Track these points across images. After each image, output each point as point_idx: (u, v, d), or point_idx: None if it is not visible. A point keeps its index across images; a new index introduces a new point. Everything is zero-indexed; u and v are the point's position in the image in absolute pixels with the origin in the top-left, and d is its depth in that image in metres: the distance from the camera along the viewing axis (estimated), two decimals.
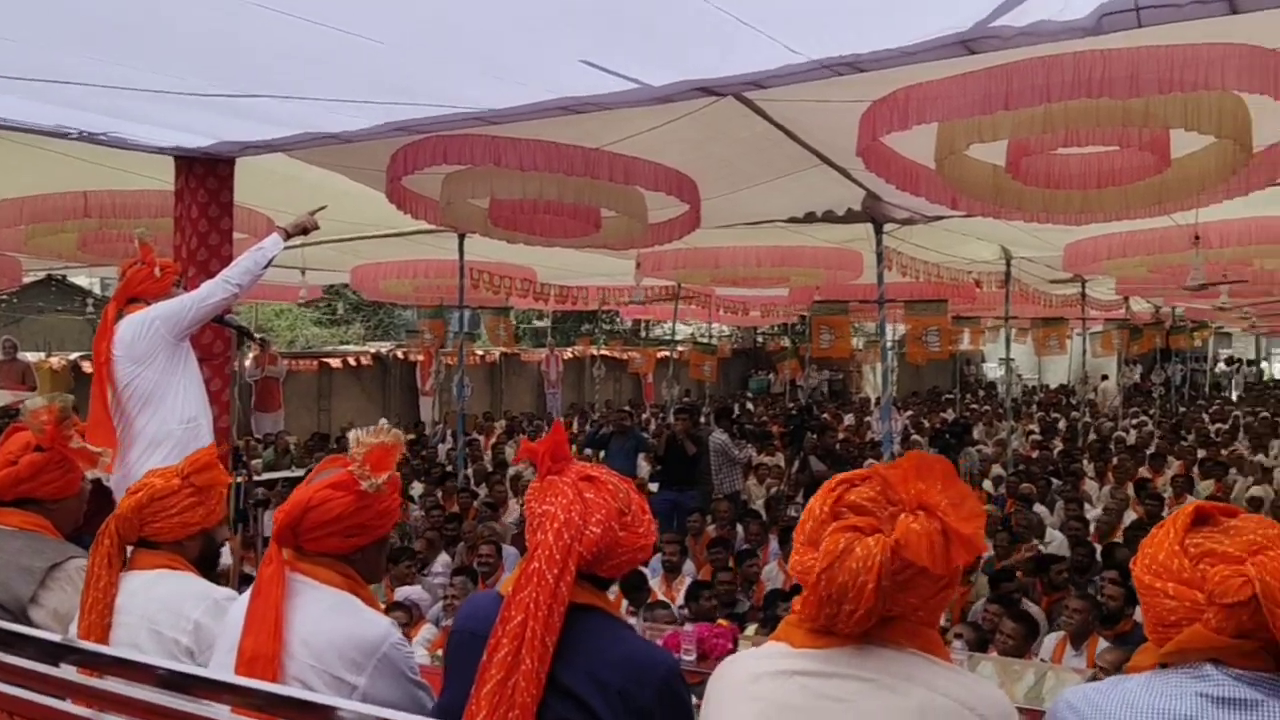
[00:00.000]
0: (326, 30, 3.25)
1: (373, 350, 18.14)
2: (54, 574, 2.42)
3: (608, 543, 1.73)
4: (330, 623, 1.94)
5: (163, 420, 3.83)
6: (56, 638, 1.55)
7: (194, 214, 5.34)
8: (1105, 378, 23.55)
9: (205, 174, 5.35)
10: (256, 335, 4.31)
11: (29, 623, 2.30)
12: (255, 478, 5.13)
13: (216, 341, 5.17)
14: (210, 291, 3.97)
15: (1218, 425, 16.77)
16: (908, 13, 3.23)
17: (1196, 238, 6.75)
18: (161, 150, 5.22)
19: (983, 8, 3.06)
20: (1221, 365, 31.01)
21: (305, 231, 4.39)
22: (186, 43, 3.61)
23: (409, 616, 5.36)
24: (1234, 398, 25.55)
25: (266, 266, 4.14)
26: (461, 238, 8.67)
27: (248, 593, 2.04)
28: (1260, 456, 12.48)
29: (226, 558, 3.85)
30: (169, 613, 2.17)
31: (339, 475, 2.03)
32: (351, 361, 17.10)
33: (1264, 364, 33.04)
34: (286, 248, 4.35)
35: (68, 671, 1.46)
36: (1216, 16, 3.12)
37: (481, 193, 5.65)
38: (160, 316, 3.88)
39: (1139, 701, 1.41)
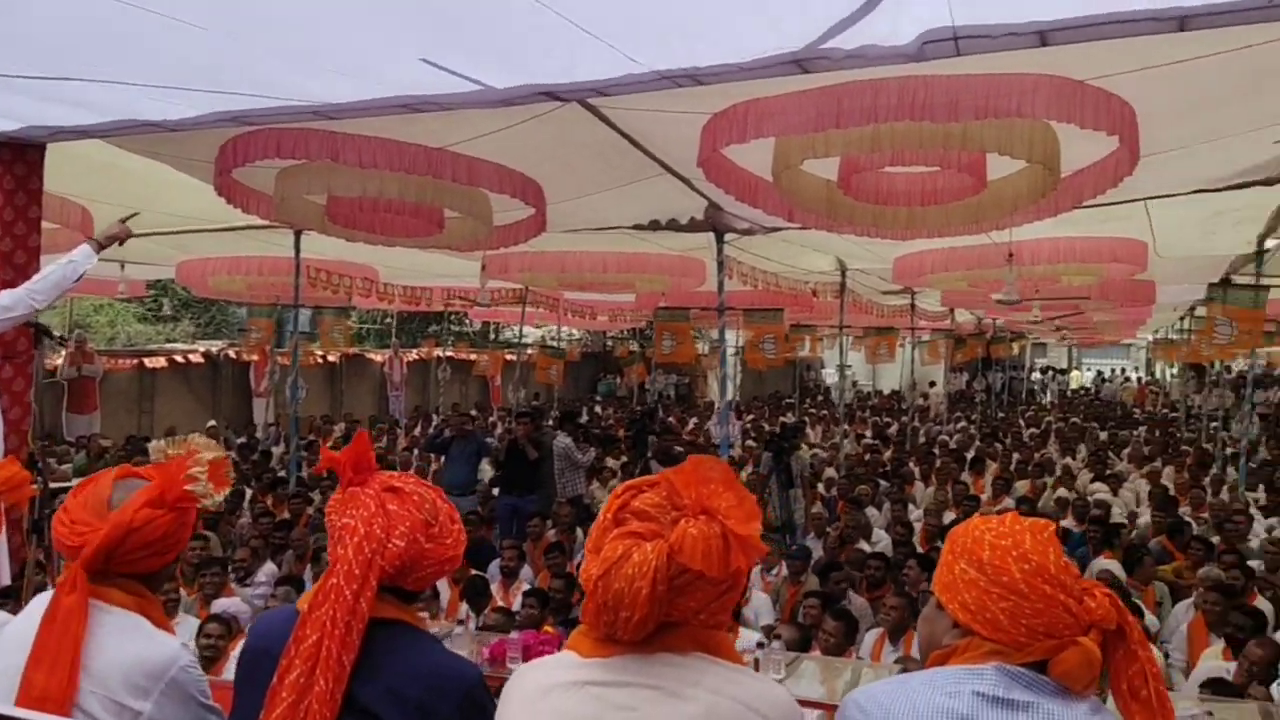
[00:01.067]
0: (137, 11, 3.07)
1: (202, 349, 17.26)
2: None
3: (412, 555, 1.68)
4: (117, 647, 1.83)
5: None
6: None
7: None
8: (933, 384, 24.82)
9: (12, 160, 4.98)
10: (57, 334, 4.03)
11: None
12: (54, 485, 4.79)
13: (20, 339, 4.81)
14: (12, 303, 3.72)
15: (1031, 430, 17.95)
16: (744, 29, 3.32)
17: (1010, 255, 7.19)
18: None
19: (814, 29, 3.17)
20: (1037, 374, 33.19)
21: (119, 241, 4.15)
22: None
23: (227, 630, 5.11)
24: (1047, 404, 27.40)
25: (77, 281, 3.91)
26: (297, 234, 8.36)
27: (27, 615, 1.90)
28: (1068, 459, 13.42)
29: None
30: None
31: (150, 490, 1.90)
32: (179, 360, 16.21)
33: (1075, 373, 35.53)
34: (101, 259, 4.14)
35: None
36: (1028, 48, 3.33)
37: (318, 189, 5.47)
38: None
39: (919, 700, 1.45)
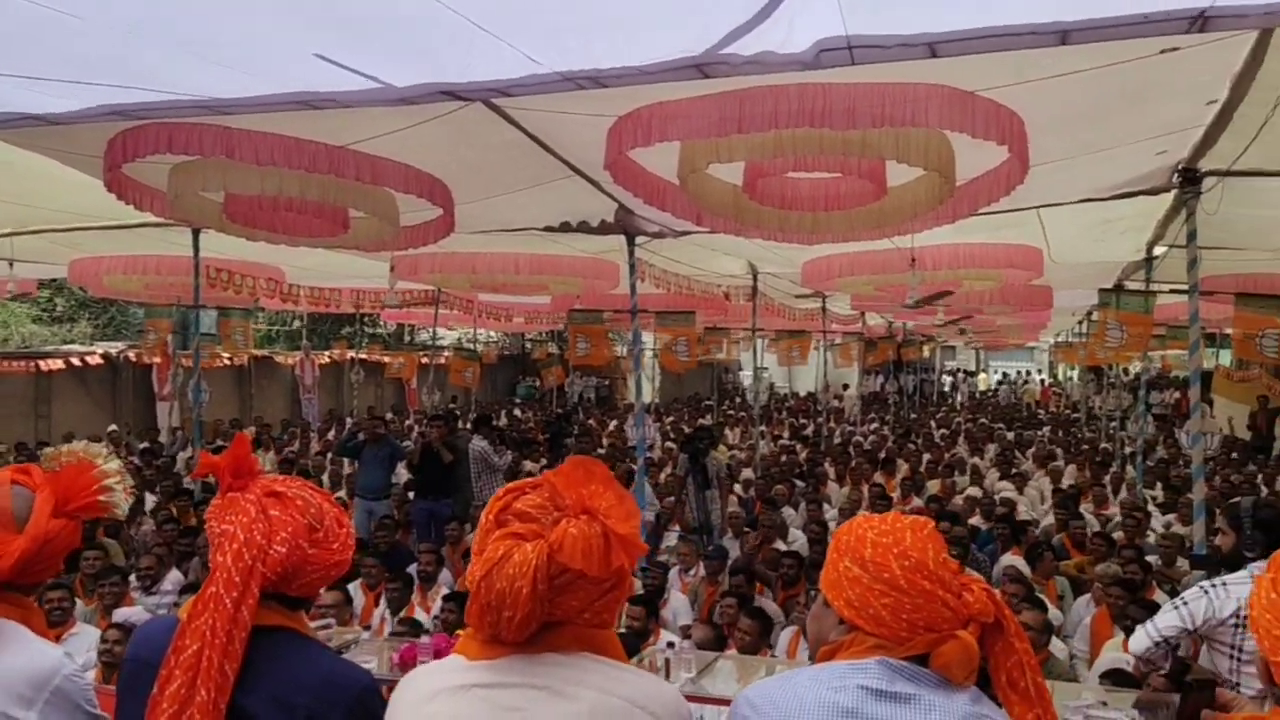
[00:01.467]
0: (23, 3, 2.94)
1: (100, 351, 16.65)
2: None
3: (295, 561, 1.66)
4: (0, 657, 1.77)
5: None
6: None
7: None
8: (846, 387, 25.29)
9: None
10: None
11: None
12: None
13: None
14: None
15: (942, 430, 18.40)
16: (645, 33, 3.32)
17: (913, 260, 7.36)
18: None
19: (713, 35, 3.18)
20: (947, 376, 34.08)
21: None
22: None
23: (127, 639, 4.94)
24: (958, 405, 28.13)
25: None
26: (196, 233, 8.12)
27: None
28: (976, 459, 13.80)
29: None
30: None
31: (49, 501, 1.85)
32: (76, 362, 15.62)
33: (983, 375, 36.56)
34: None
35: None
36: (919, 59, 3.40)
37: (214, 185, 5.30)
38: None
39: (806, 695, 1.48)
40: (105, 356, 16.31)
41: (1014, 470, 12.18)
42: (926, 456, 13.33)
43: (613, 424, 18.47)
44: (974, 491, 10.58)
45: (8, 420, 13.68)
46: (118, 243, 8.66)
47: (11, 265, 9.24)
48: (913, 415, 23.03)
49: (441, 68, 3.70)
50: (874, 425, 19.40)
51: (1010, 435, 17.40)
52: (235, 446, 1.76)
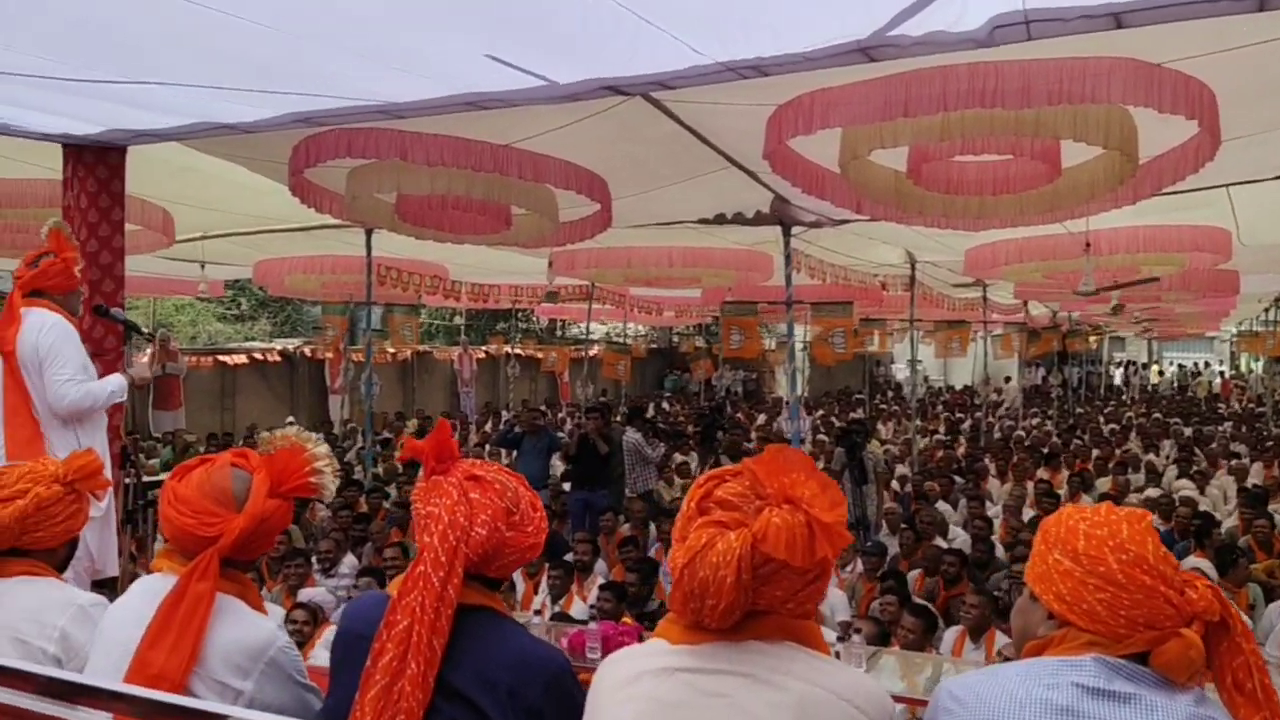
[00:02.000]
0: (215, 15, 3.15)
1: (279, 347, 17.69)
2: None
3: (495, 543, 1.71)
4: (219, 630, 1.89)
5: (55, 439, 3.72)
6: None
7: (83, 204, 5.13)
8: (1009, 379, 24.31)
9: (95, 163, 5.15)
10: (145, 330, 4.18)
11: None
12: (145, 478, 4.96)
13: (109, 337, 4.98)
14: (62, 395, 3.77)
15: (1111, 426, 17.46)
16: (809, 18, 3.28)
17: (1088, 245, 7.00)
18: (48, 137, 5.00)
19: (880, 16, 3.12)
20: (1116, 369, 32.30)
21: (146, 382, 4.33)
22: (69, 27, 3.47)
23: (313, 618, 5.24)
24: (1128, 399, 26.63)
25: (106, 402, 3.98)
26: (369, 233, 8.52)
27: (128, 599, 1.97)
28: (1151, 456, 13.04)
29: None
30: (33, 622, 2.09)
31: (264, 482, 1.97)
32: (257, 358, 16.65)
33: (1154, 367, 34.48)
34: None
35: None
36: (1103, 30, 3.24)
37: (388, 187, 5.56)
38: (52, 338, 3.77)
39: (1018, 692, 1.43)
40: (283, 353, 17.34)
41: (1194, 468, 11.45)
42: (1095, 453, 12.69)
43: (761, 417, 18.35)
44: (1151, 491, 10.01)
45: (197, 412, 14.69)
46: (297, 244, 9.21)
47: (203, 267, 9.95)
48: (1079, 409, 21.95)
49: (604, 63, 3.76)
50: (1036, 420, 18.59)
51: (1188, 431, 16.36)
52: (437, 432, 1.83)
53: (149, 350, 4.53)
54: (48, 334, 3.72)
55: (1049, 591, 1.51)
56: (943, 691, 1.51)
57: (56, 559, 2.26)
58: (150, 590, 1.91)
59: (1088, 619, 1.46)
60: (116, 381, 4.02)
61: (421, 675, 1.59)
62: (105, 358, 5.03)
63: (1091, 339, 25.56)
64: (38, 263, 3.88)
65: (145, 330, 4.16)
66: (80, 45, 3.67)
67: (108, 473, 2.76)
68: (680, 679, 1.48)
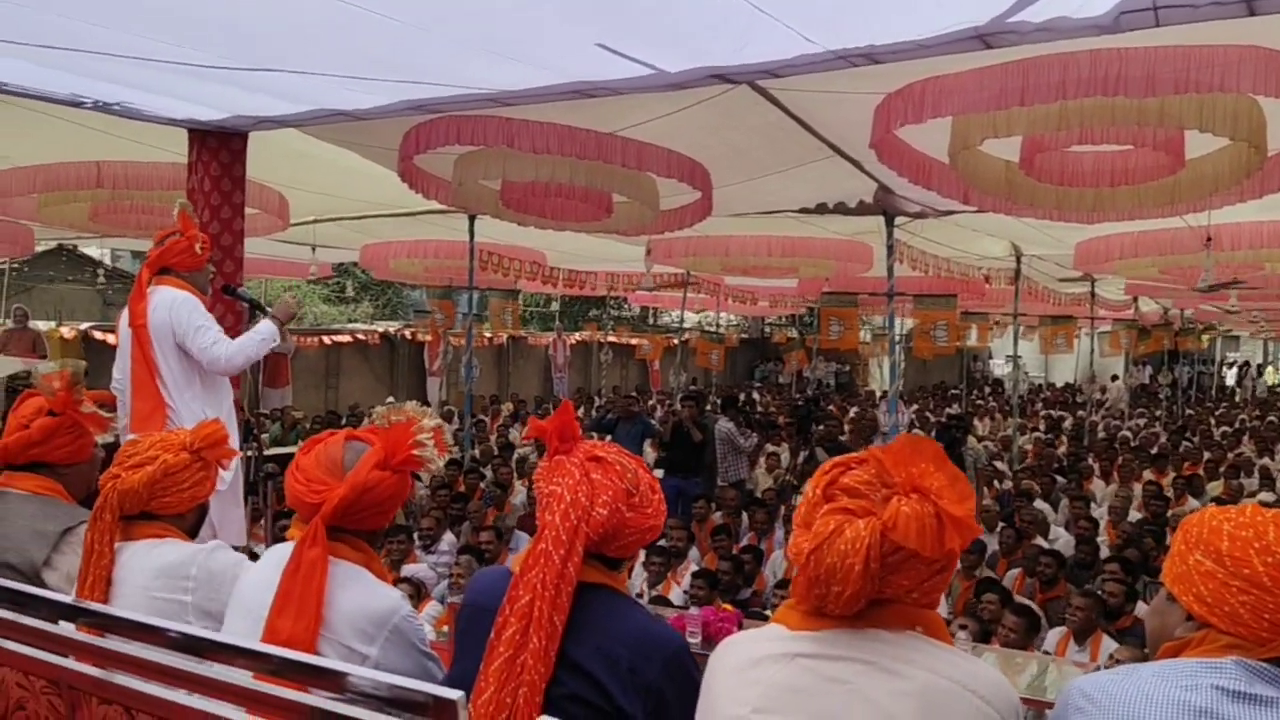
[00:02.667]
0: (336, 5, 3.25)
1: (381, 329, 18.18)
2: (67, 538, 2.44)
3: (615, 524, 1.73)
4: (343, 595, 1.95)
5: (178, 409, 3.86)
6: (67, 599, 1.57)
7: (206, 187, 5.36)
8: (1115, 378, 23.50)
9: (218, 147, 5.37)
10: (270, 309, 4.32)
11: (42, 585, 2.32)
12: (264, 451, 5.17)
13: (228, 315, 5.19)
14: (214, 355, 3.90)
15: (1224, 428, 16.74)
16: (925, 6, 3.23)
17: (1209, 239, 6.72)
18: (175, 122, 5.23)
19: (1001, 3, 3.05)
20: (1229, 369, 30.90)
21: (291, 318, 4.35)
22: (201, 15, 3.62)
23: (417, 592, 5.40)
24: (1240, 400, 25.45)
25: (261, 350, 4.10)
26: (472, 219, 8.67)
27: (266, 562, 2.05)
28: (1266, 460, 12.46)
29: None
30: (164, 578, 2.19)
31: (377, 453, 2.02)
32: (360, 339, 17.14)
33: (1269, 368, 32.87)
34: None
35: (77, 632, 1.49)
36: (1234, 18, 3.11)
37: (494, 174, 5.65)
38: (181, 309, 3.86)
39: (1155, 692, 1.41)
40: (384, 335, 17.82)
41: None
42: (1206, 455, 12.18)
43: (853, 410, 18.13)
44: (1265, 496, 9.56)
45: (303, 391, 15.19)
46: (403, 229, 9.44)
47: (314, 250, 10.28)
48: (1188, 411, 21.09)
49: (714, 52, 3.76)
50: (1143, 420, 17.94)
51: None
52: (560, 413, 1.87)
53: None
54: (180, 308, 3.85)
55: (1189, 593, 1.48)
56: (1074, 689, 1.49)
57: (185, 524, 2.36)
58: (278, 558, 1.99)
59: (1229, 621, 1.43)
60: (266, 328, 4.12)
61: (543, 649, 1.63)
62: (229, 334, 5.25)
63: (1204, 338, 24.52)
64: (165, 241, 4.06)
65: (270, 309, 4.30)
66: (207, 33, 3.83)
67: (234, 444, 2.87)
68: (801, 664, 1.48)
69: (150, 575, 2.19)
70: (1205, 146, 4.52)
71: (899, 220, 7.49)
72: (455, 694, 1.09)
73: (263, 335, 4.08)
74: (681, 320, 16.98)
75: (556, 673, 1.65)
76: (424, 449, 2.05)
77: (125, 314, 3.96)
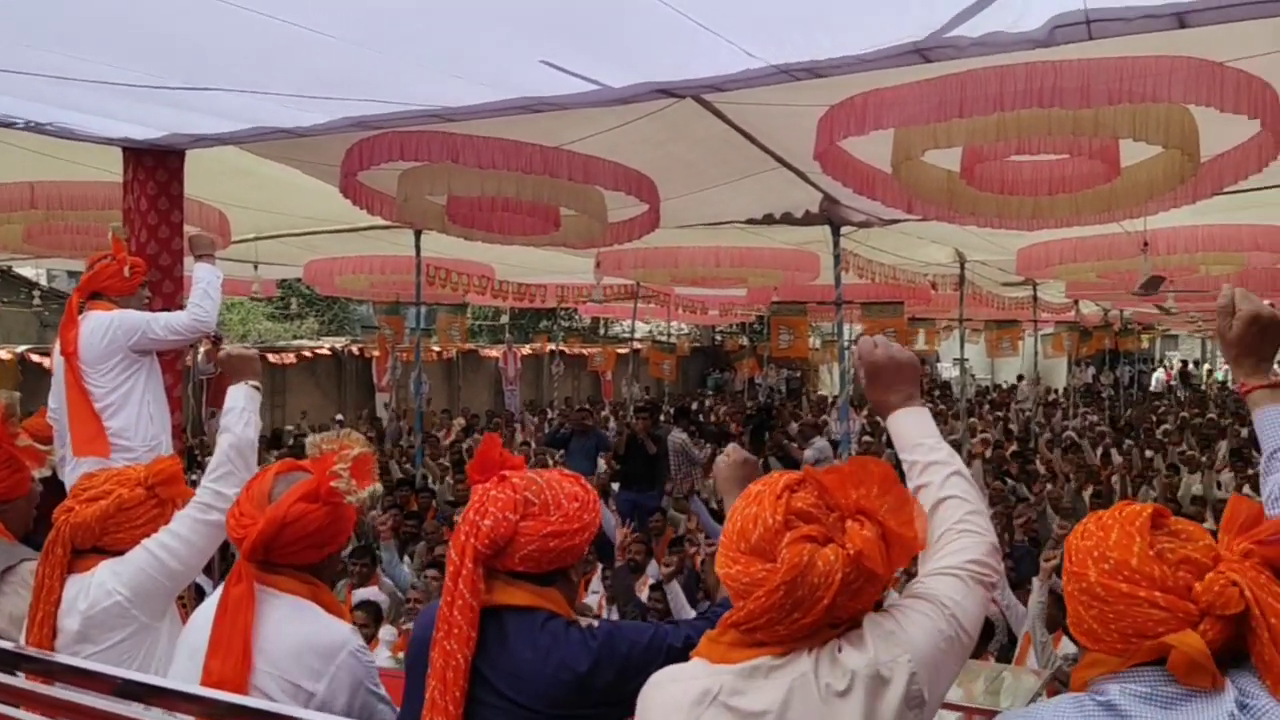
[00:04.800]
0: (276, 24, 3.20)
1: (328, 346, 17.93)
2: (7, 578, 2.37)
3: (502, 532, 1.70)
4: (290, 630, 1.92)
5: (121, 433, 3.77)
6: (11, 646, 1.52)
7: (143, 206, 5.23)
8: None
9: (154, 166, 5.25)
10: (214, 333, 4.24)
11: None
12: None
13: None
14: (178, 323, 3.93)
15: (1164, 426, 17.13)
16: (865, 21, 3.26)
17: (1145, 244, 6.88)
18: (109, 141, 5.11)
19: (938, 18, 3.09)
20: (1162, 369, 31.66)
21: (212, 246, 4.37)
22: (133, 35, 3.55)
23: (375, 618, 5.30)
24: (1182, 399, 26.05)
25: (215, 292, 4.09)
26: (418, 234, 8.60)
27: (205, 605, 2.00)
28: (1205, 458, 12.76)
29: None
30: (92, 601, 2.14)
31: (306, 485, 1.97)
32: (307, 356, 16.89)
33: (1206, 365, 33.73)
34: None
35: (22, 680, 1.44)
36: (1165, 30, 3.18)
37: (439, 189, 5.61)
38: (120, 324, 3.81)
39: None
40: (331, 350, 17.58)
41: (1250, 470, 11.19)
42: (1148, 453, 12.46)
43: (805, 416, 18.25)
44: (1198, 489, 9.81)
45: None
46: (347, 244, 9.33)
47: (256, 267, 10.11)
48: (1129, 410, 21.56)
49: (658, 67, 3.77)
50: (1091, 419, 18.30)
51: (1245, 432, 15.96)
52: (483, 446, 1.83)
53: (203, 349, 4.59)
54: (117, 327, 3.79)
55: (1069, 612, 1.44)
56: None
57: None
58: (216, 599, 1.95)
59: (1089, 639, 1.39)
60: (204, 273, 4.15)
61: (456, 681, 1.63)
62: (164, 357, 5.14)
63: (1144, 338, 25.12)
64: (95, 266, 3.98)
65: (213, 334, 4.22)
66: (142, 52, 3.75)
67: None
68: (723, 705, 1.44)
69: (70, 606, 2.11)
70: (1140, 154, 4.62)
71: (845, 230, 7.57)
72: None
73: (204, 285, 4.07)
74: (633, 330, 16.98)
75: (478, 697, 1.64)
76: (341, 480, 2.00)
77: (58, 342, 3.87)
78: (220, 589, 1.99)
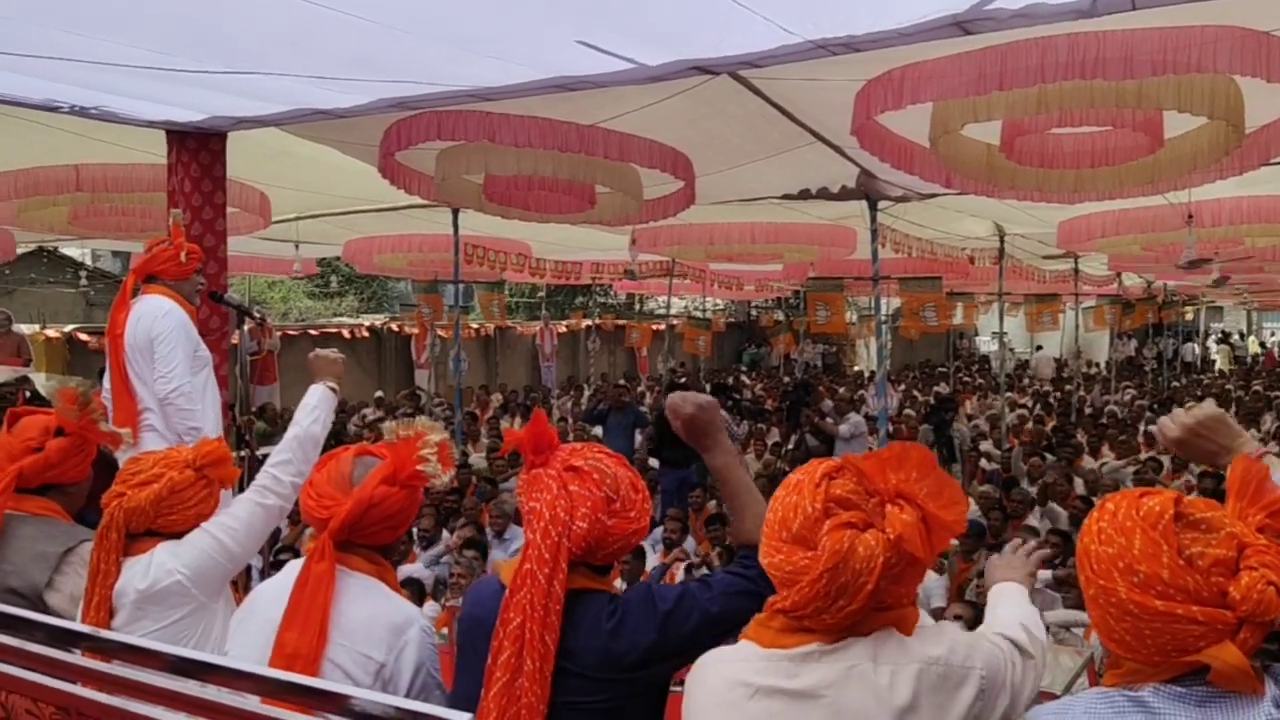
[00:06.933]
0: (314, 8, 3.23)
1: (367, 324, 18.12)
2: (68, 558, 2.43)
3: (597, 535, 1.74)
4: (362, 605, 1.98)
5: (160, 412, 3.84)
6: (70, 624, 1.58)
7: (187, 188, 5.32)
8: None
9: (197, 148, 5.33)
10: (257, 314, 4.27)
11: (45, 608, 2.31)
12: (257, 454, 5.15)
13: (213, 317, 5.17)
14: (164, 388, 3.80)
15: (1208, 400, 16.81)
16: None
17: (1190, 216, 6.76)
18: (152, 124, 5.19)
19: None
20: (1212, 341, 31.07)
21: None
22: (174, 22, 3.60)
23: (419, 597, 5.39)
24: (1226, 371, 25.59)
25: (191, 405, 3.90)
26: (456, 213, 8.65)
27: (277, 578, 2.06)
28: (1253, 432, 12.57)
29: None
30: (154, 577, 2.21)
31: (384, 469, 2.03)
32: (346, 334, 17.08)
33: (1251, 338, 33.07)
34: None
35: (83, 658, 1.50)
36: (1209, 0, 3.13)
37: (476, 169, 5.64)
38: (159, 336, 3.82)
39: None
40: (371, 328, 17.76)
41: None
42: None
43: (841, 390, 18.17)
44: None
45: (290, 387, 15.07)
46: (386, 223, 9.41)
47: (297, 247, 10.24)
48: (1172, 383, 21.21)
49: (694, 45, 3.76)
50: (1130, 393, 18.04)
51: None
52: (534, 424, 1.86)
53: (247, 328, 4.61)
54: (161, 321, 3.83)
55: (1091, 617, 1.38)
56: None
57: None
58: (289, 575, 2.01)
59: (1123, 649, 1.33)
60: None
61: (538, 670, 1.64)
62: (210, 337, 5.24)
63: (1188, 310, 24.69)
64: (153, 250, 4.03)
65: (257, 314, 4.26)
66: (185, 38, 3.81)
67: None
68: (775, 688, 1.47)
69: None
70: (1184, 126, 4.55)
71: (882, 204, 7.51)
72: (463, 716, 1.10)
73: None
74: (668, 306, 16.97)
75: (560, 682, 1.67)
76: (429, 464, 2.06)
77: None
78: (292, 565, 2.06)
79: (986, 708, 1.49)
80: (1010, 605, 1.83)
